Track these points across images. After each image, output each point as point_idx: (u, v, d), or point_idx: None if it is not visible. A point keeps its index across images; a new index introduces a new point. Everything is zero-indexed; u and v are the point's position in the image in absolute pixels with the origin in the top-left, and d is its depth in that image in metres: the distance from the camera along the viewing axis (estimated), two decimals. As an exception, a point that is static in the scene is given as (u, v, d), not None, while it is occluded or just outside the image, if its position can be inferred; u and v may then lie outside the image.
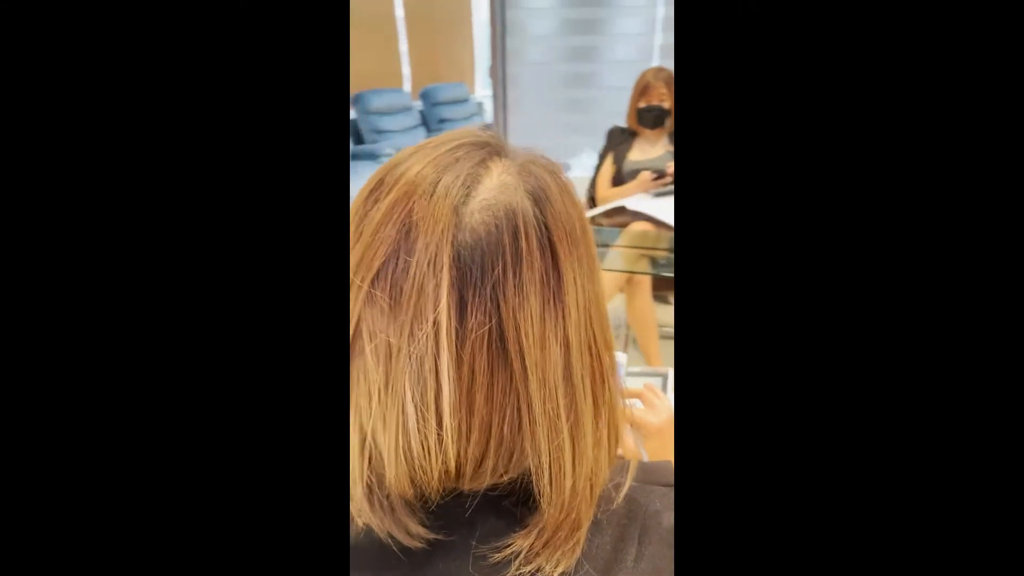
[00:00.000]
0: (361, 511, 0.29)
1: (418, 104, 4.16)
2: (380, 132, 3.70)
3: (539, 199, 0.28)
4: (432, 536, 0.30)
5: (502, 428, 0.28)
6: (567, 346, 0.28)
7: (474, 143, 0.30)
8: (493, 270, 0.26)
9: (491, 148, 0.30)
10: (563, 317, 0.28)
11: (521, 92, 1.51)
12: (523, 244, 0.27)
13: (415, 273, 0.26)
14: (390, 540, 0.30)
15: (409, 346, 0.26)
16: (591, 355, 0.30)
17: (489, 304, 0.26)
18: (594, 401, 0.30)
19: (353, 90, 3.69)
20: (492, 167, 0.29)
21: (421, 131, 4.05)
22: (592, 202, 1.82)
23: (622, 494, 0.33)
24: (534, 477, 0.29)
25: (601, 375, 0.30)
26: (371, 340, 0.27)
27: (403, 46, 4.14)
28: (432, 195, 0.27)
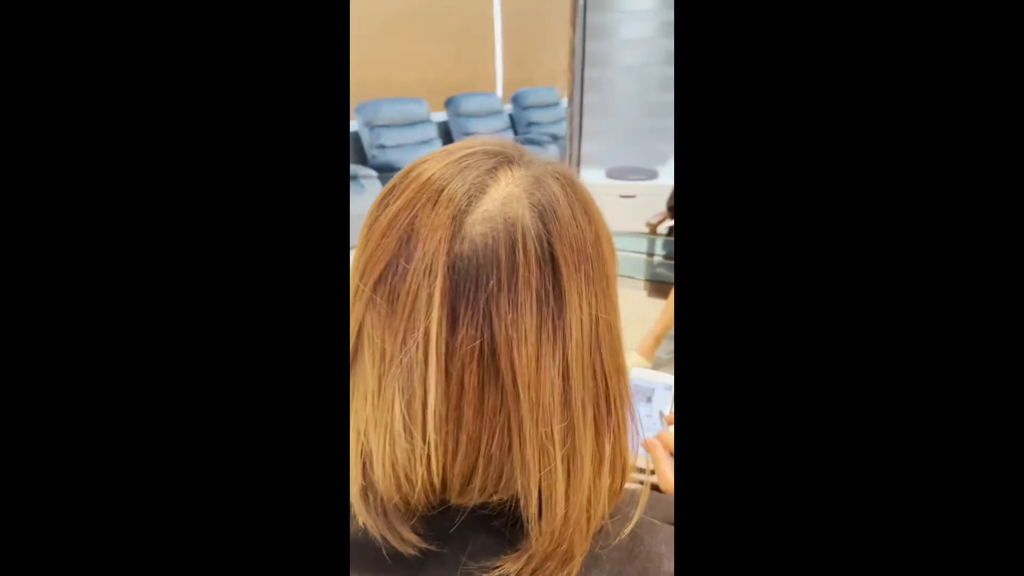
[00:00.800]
0: (358, 511, 0.30)
1: (508, 107, 4.22)
2: (469, 135, 3.80)
3: (545, 212, 0.27)
4: (424, 545, 0.30)
5: (491, 447, 0.27)
6: (566, 368, 0.27)
7: (486, 151, 0.29)
8: (488, 283, 0.25)
9: (503, 157, 0.29)
10: (563, 337, 0.26)
11: (603, 96, 1.47)
12: (520, 258, 0.26)
13: (411, 280, 0.26)
14: (384, 543, 0.30)
15: (401, 353, 0.26)
16: (595, 380, 0.28)
17: (481, 318, 0.26)
18: (596, 429, 0.28)
19: (448, 94, 3.81)
20: (501, 177, 0.28)
21: (509, 134, 4.10)
22: (673, 211, 1.75)
23: (627, 529, 0.31)
24: (522, 502, 0.27)
25: (607, 402, 0.29)
26: (369, 344, 0.27)
27: (498, 49, 4.23)
28: (435, 203, 0.27)
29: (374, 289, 0.27)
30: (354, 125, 3.37)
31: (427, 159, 0.30)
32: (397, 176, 0.30)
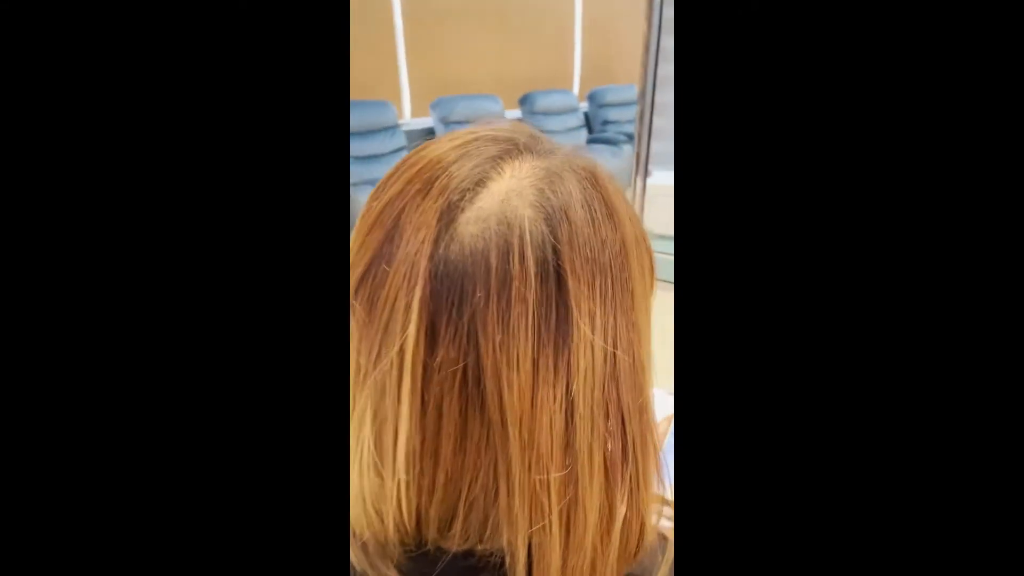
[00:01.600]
0: None
1: (584, 106, 4.14)
2: (542, 132, 3.76)
3: (553, 213, 0.22)
4: None
5: (473, 489, 0.23)
6: (569, 404, 0.22)
7: (494, 137, 0.25)
8: (474, 296, 0.21)
9: (511, 145, 0.25)
10: (566, 366, 0.22)
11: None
12: (514, 267, 0.21)
13: (390, 286, 0.22)
14: None
15: (374, 371, 0.22)
16: (609, 420, 0.23)
17: (465, 337, 0.21)
18: (606, 480, 0.23)
19: (524, 90, 3.79)
20: (505, 168, 0.23)
21: (583, 133, 4.02)
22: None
23: (644, 599, 0.26)
24: (507, 559, 0.23)
25: (623, 448, 0.23)
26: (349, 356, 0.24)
27: (577, 46, 4.15)
28: (425, 195, 0.23)
29: (355, 292, 0.23)
30: (429, 121, 3.44)
31: (432, 142, 0.26)
32: (400, 161, 0.26)
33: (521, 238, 0.21)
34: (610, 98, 4.11)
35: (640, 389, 0.24)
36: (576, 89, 4.24)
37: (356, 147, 2.88)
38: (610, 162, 3.46)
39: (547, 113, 3.80)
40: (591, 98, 4.14)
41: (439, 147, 0.25)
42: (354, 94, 2.99)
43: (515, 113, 3.80)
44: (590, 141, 3.95)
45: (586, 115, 4.12)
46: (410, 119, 3.42)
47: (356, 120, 2.94)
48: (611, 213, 0.24)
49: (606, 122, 4.09)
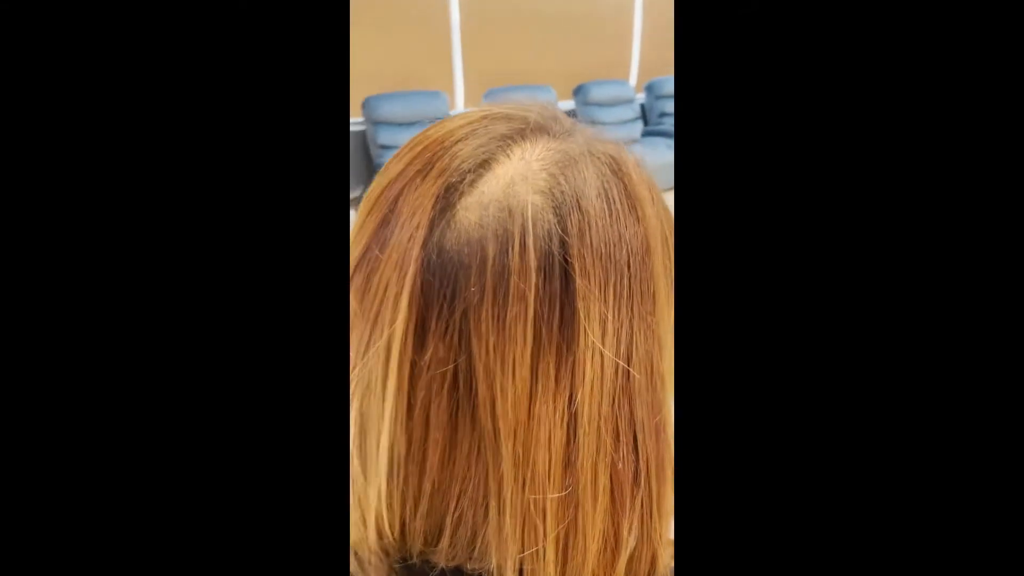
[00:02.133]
0: None
1: (641, 97, 4.01)
2: (595, 124, 3.68)
3: (564, 202, 0.19)
4: None
5: (461, 503, 0.21)
6: (572, 417, 0.19)
7: (508, 115, 0.22)
8: (468, 290, 0.19)
9: (525, 124, 0.22)
10: (570, 375, 0.19)
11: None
12: (513, 260, 0.19)
13: (382, 273, 0.20)
14: None
15: (361, 365, 0.21)
16: (619, 439, 0.20)
17: (456, 335, 0.19)
18: (612, 505, 0.20)
19: (580, 81, 3.71)
20: (515, 150, 0.21)
21: (639, 125, 3.91)
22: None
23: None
24: None
25: (635, 470, 0.21)
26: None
27: (636, 36, 4.03)
28: (424, 176, 0.20)
29: (352, 279, 0.22)
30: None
31: (446, 120, 0.24)
32: (410, 139, 0.24)
33: (523, 227, 0.19)
34: (668, 89, 3.96)
35: (658, 406, 0.21)
36: (634, 79, 4.12)
37: (404, 137, 2.91)
38: (666, 155, 3.35)
39: (601, 104, 3.71)
40: (648, 89, 4.01)
41: (449, 125, 0.23)
42: (408, 84, 3.02)
43: (569, 104, 3.73)
44: (646, 133, 3.84)
45: (642, 106, 4.00)
46: (462, 109, 3.43)
47: (406, 109, 2.96)
48: (634, 205, 0.21)
49: (663, 114, 3.95)
